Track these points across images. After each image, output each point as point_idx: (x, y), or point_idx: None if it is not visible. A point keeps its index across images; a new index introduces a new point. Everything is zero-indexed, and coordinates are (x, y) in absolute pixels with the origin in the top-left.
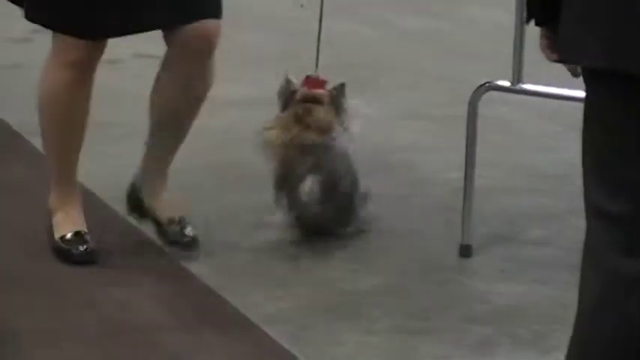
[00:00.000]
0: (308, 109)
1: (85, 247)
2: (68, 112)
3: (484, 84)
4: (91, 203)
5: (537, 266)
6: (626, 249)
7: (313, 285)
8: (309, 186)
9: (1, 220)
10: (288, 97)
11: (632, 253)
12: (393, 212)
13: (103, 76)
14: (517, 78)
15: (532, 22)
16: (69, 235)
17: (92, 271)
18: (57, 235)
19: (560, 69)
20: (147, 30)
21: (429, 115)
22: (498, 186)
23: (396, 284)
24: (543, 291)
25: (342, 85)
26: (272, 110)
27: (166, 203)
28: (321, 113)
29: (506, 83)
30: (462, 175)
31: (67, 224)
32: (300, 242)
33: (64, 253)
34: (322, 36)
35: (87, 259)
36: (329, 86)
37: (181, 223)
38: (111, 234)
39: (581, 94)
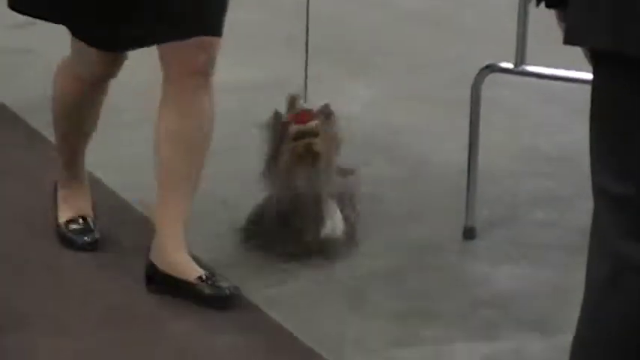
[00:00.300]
0: (308, 146)
1: (89, 237)
2: (80, 109)
3: (487, 66)
4: (97, 190)
5: (541, 249)
6: (632, 233)
7: (314, 268)
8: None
9: (1, 202)
10: (279, 131)
11: (638, 236)
12: (395, 195)
13: None
14: (520, 59)
15: (542, 5)
16: (73, 225)
17: (97, 256)
18: (61, 219)
19: (564, 51)
20: (143, 45)
21: (430, 98)
22: (502, 169)
23: (398, 267)
24: (547, 273)
25: (327, 106)
26: (277, 94)
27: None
28: (320, 145)
29: (510, 65)
30: (464, 157)
31: (71, 207)
32: None
33: (67, 240)
34: (323, 17)
35: (90, 249)
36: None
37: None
38: (117, 221)
39: (585, 75)
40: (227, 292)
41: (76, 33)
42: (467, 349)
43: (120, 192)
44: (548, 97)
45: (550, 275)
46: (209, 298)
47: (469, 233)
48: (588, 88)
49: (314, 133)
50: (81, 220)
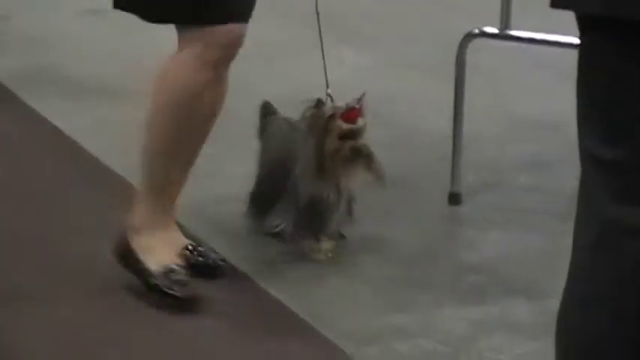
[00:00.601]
0: (356, 149)
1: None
2: (207, 112)
3: (472, 31)
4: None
5: (527, 214)
6: (622, 197)
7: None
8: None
9: None
10: (322, 125)
11: (628, 200)
12: (381, 161)
13: (86, 28)
14: (505, 24)
15: None
16: (174, 276)
17: (91, 225)
18: (154, 266)
19: (550, 15)
20: None
21: (418, 65)
22: (487, 134)
23: (385, 234)
24: (533, 239)
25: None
26: (261, 61)
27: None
28: (367, 149)
29: (494, 30)
30: (450, 123)
31: (165, 253)
32: None
33: (163, 292)
34: None
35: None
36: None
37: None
38: (100, 188)
39: (570, 40)
40: (214, 262)
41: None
42: (455, 314)
43: (104, 160)
44: (534, 62)
45: (536, 240)
46: (197, 266)
47: (454, 199)
48: (574, 52)
49: (361, 134)
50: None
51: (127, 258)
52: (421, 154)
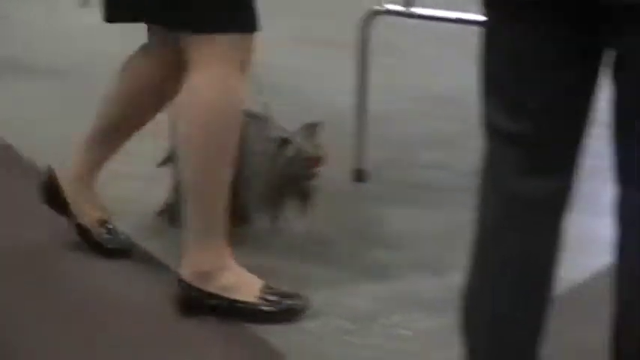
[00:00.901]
0: (305, 193)
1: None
2: (238, 126)
3: (375, 8)
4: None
5: (431, 189)
6: (526, 169)
7: None
8: None
9: None
10: (283, 163)
11: (531, 173)
12: None
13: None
14: (409, 2)
15: None
16: (267, 295)
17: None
18: (248, 298)
19: None
20: None
21: (322, 40)
22: (391, 110)
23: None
24: (438, 214)
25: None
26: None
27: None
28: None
29: (398, 7)
30: (354, 100)
31: (249, 282)
32: None
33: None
34: None
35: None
36: None
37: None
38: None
39: (471, 17)
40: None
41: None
42: (360, 290)
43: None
44: (437, 39)
45: (441, 215)
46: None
47: (359, 175)
48: (476, 29)
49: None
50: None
51: (213, 304)
52: (327, 130)
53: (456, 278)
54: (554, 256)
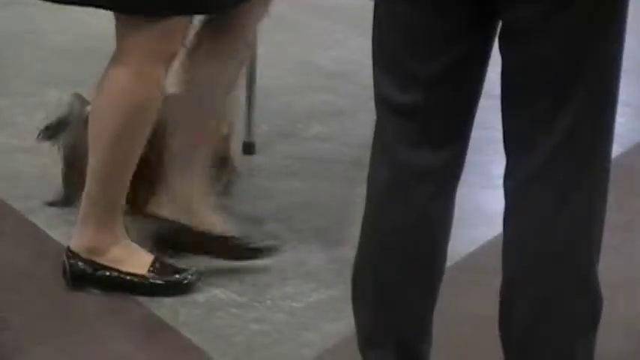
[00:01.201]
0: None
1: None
2: (153, 116)
3: None
4: None
5: (320, 162)
6: (416, 141)
7: None
8: None
9: None
10: None
11: (422, 144)
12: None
13: None
14: None
15: None
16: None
17: None
18: (137, 270)
19: None
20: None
21: None
22: (280, 84)
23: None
24: (327, 187)
25: None
26: None
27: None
28: None
29: None
30: (242, 73)
31: (140, 255)
32: None
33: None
34: None
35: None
36: None
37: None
38: None
39: None
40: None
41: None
42: (249, 263)
43: None
44: (325, 12)
45: (330, 188)
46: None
47: (248, 148)
48: (364, 2)
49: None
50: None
51: (99, 276)
52: None
53: (345, 251)
54: (444, 227)
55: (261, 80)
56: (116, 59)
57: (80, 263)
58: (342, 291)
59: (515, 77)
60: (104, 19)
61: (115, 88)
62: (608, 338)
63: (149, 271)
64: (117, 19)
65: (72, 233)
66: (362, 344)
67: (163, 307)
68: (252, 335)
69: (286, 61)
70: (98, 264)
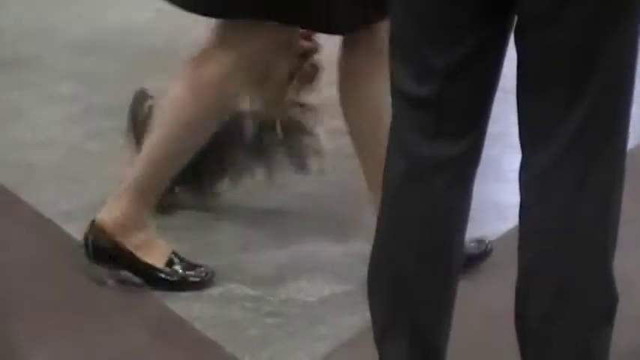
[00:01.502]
0: (316, 66)
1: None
2: (227, 115)
3: None
4: None
5: (334, 155)
6: (432, 132)
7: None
8: None
9: None
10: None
11: (438, 136)
12: None
13: None
14: None
15: None
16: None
17: None
18: (153, 262)
19: None
20: None
21: None
22: None
23: None
24: (340, 179)
25: None
26: None
27: None
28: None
29: None
30: None
31: (159, 246)
32: (92, 137)
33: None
34: None
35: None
36: None
37: None
38: None
39: None
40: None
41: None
42: (262, 257)
43: None
44: None
45: (344, 181)
46: None
47: None
48: None
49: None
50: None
51: (117, 256)
52: None
53: (359, 244)
54: (460, 219)
55: None
56: (209, 54)
57: (103, 240)
58: (356, 285)
59: (532, 68)
60: (117, 13)
61: (203, 79)
62: (624, 333)
63: (165, 264)
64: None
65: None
66: (378, 337)
67: (178, 301)
68: (267, 329)
69: None
70: (120, 245)
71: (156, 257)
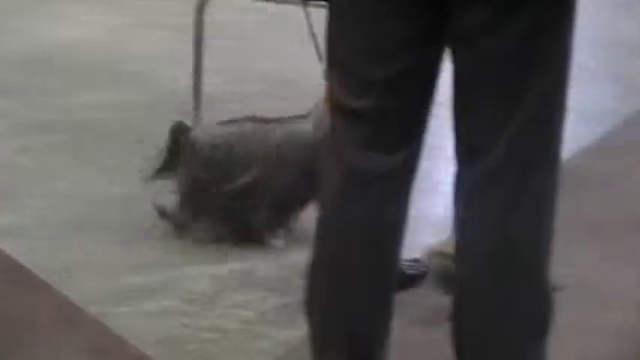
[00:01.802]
0: None
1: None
2: None
3: None
4: None
5: None
6: (370, 145)
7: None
8: None
9: None
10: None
11: (375, 148)
12: (128, 121)
13: None
14: None
15: None
16: None
17: None
18: None
19: None
20: None
21: (163, 24)
22: (228, 91)
23: (126, 194)
24: None
25: None
26: None
27: None
28: None
29: None
30: (191, 82)
31: None
32: (28, 151)
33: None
34: None
35: None
36: None
37: None
38: None
39: None
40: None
41: None
42: (197, 272)
43: None
44: (272, 19)
45: None
46: None
47: None
48: (317, 10)
49: None
50: None
51: None
52: (165, 111)
53: (293, 258)
54: (397, 231)
55: (209, 88)
56: None
57: None
58: (293, 299)
59: (467, 82)
60: (50, 30)
61: None
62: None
63: None
64: None
65: None
66: (316, 348)
67: (117, 319)
68: (205, 345)
69: (234, 69)
70: None
71: None
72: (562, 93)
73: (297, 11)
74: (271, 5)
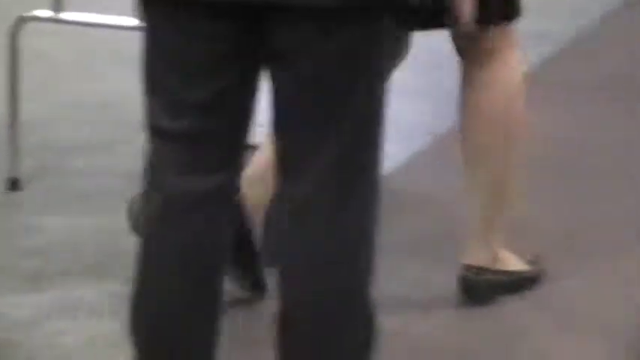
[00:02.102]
0: None
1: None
2: None
3: (23, 15)
4: None
5: (86, 197)
6: (188, 168)
7: None
8: None
9: None
10: None
11: (193, 171)
12: None
13: None
14: (58, 7)
15: None
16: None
17: None
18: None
19: None
20: None
21: None
22: (43, 118)
23: None
24: (93, 221)
25: None
26: None
27: None
28: None
29: (48, 13)
30: (6, 109)
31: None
32: None
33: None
34: None
35: None
36: None
37: None
38: None
39: (127, 21)
40: None
41: None
42: (16, 300)
43: None
44: (88, 45)
45: (96, 222)
46: None
47: (14, 184)
48: (128, 34)
49: None
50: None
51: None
52: None
53: (117, 284)
54: (220, 255)
55: (25, 115)
56: (485, 62)
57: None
58: (116, 324)
59: (284, 103)
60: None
61: (502, 87)
62: None
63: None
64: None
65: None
66: None
67: None
68: None
69: (51, 96)
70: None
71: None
72: (379, 114)
73: (113, 38)
74: (88, 30)
